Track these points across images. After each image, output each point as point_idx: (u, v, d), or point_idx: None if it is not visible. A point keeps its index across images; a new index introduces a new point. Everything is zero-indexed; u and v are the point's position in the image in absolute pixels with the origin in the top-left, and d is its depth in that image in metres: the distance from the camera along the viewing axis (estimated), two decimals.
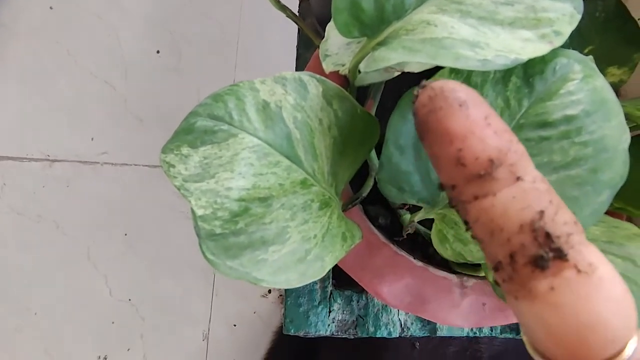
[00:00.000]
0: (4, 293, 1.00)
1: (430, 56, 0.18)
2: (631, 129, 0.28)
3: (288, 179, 0.22)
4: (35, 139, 1.07)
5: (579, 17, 0.20)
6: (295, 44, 0.58)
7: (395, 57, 0.19)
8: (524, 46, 0.19)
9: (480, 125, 0.12)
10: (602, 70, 0.29)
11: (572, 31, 0.30)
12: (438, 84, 0.12)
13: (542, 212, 0.11)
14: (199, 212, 0.19)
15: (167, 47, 1.13)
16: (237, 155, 0.21)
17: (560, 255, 0.11)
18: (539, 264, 0.11)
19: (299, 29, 0.59)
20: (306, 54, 0.57)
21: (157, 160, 1.06)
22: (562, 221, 0.11)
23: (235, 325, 1.02)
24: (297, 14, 0.59)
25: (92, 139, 1.08)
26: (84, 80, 1.10)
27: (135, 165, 1.07)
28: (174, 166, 0.20)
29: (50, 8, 1.13)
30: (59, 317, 1.00)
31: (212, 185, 0.20)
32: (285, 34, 1.09)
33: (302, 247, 0.21)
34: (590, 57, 0.20)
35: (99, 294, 1.02)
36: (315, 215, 0.22)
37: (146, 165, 1.07)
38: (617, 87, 0.28)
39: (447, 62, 0.17)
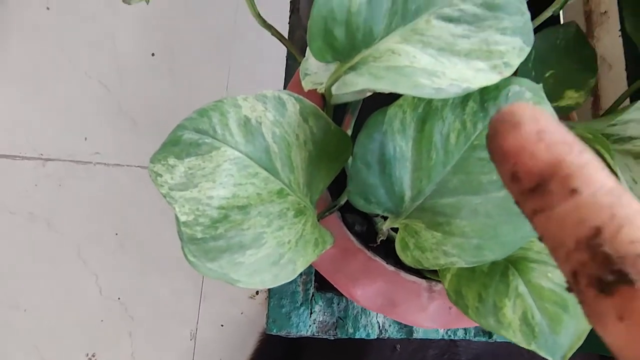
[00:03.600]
0: None
1: (392, 84, 0.20)
2: None
3: (265, 189, 0.24)
4: (29, 137, 1.08)
5: (528, 49, 0.22)
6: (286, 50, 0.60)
7: (362, 82, 0.21)
8: (476, 76, 0.21)
9: (531, 140, 0.12)
10: (561, 93, 0.31)
11: (535, 55, 0.32)
12: (506, 109, 0.13)
13: (599, 228, 0.10)
14: (182, 218, 0.21)
15: (162, 49, 1.15)
16: (219, 166, 0.23)
17: (625, 280, 0.10)
18: (601, 287, 0.10)
19: (288, 36, 0.61)
20: (295, 64, 0.59)
21: (149, 161, 1.07)
22: (628, 240, 0.10)
23: (222, 326, 1.04)
24: (288, 24, 0.61)
25: (86, 139, 1.09)
26: (78, 80, 1.11)
27: (128, 165, 1.08)
28: (161, 175, 0.22)
29: (47, 9, 1.15)
30: (49, 314, 1.01)
31: (195, 194, 0.22)
32: (278, 41, 1.11)
33: (277, 252, 0.23)
34: (540, 85, 0.22)
35: (89, 292, 1.03)
36: (290, 222, 0.24)
37: (138, 166, 1.08)
38: (573, 109, 0.31)
39: (406, 90, 0.20)
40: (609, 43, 0.54)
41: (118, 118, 1.10)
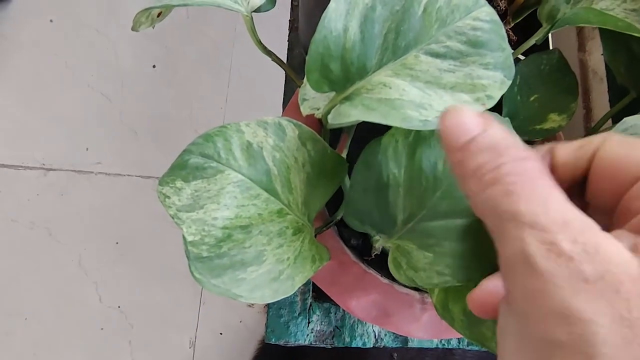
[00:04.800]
0: None
1: (383, 116, 0.22)
2: None
3: (266, 209, 0.26)
4: (31, 147, 1.10)
5: (508, 83, 0.24)
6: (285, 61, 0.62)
7: (355, 114, 0.23)
8: None
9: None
10: (545, 116, 0.33)
11: (521, 80, 0.34)
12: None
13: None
14: (189, 238, 0.23)
15: (163, 62, 1.17)
16: (223, 189, 0.25)
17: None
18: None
19: (288, 48, 0.63)
20: (293, 82, 0.61)
21: (149, 171, 1.09)
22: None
23: (221, 334, 1.05)
24: (287, 42, 0.63)
25: (87, 149, 1.11)
26: (80, 91, 1.13)
27: (129, 175, 1.10)
28: (169, 197, 0.24)
29: (50, 21, 1.17)
30: (49, 322, 1.02)
31: (201, 215, 0.24)
32: (276, 50, 1.13)
33: (276, 268, 0.25)
34: (507, 119, 0.24)
35: (89, 300, 1.04)
36: (289, 240, 0.26)
37: (139, 176, 1.10)
38: (556, 132, 0.33)
39: (396, 122, 0.21)
40: (601, 57, 0.56)
41: (119, 129, 1.12)
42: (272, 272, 0.25)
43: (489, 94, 0.23)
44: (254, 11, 0.32)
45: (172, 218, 0.24)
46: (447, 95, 0.23)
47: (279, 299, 0.24)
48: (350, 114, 0.23)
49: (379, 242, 0.28)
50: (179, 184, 0.25)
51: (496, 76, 0.24)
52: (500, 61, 0.24)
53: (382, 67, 0.24)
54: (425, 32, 0.24)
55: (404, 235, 0.25)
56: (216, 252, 0.23)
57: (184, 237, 0.23)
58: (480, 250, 0.22)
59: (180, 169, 0.25)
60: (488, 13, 0.24)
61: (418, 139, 0.24)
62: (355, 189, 0.26)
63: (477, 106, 0.23)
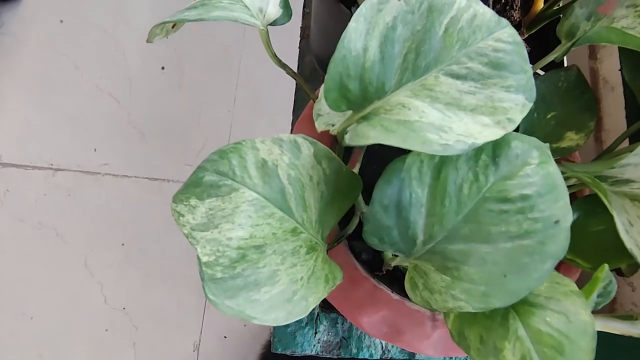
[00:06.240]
0: (1, 297, 1.02)
1: (402, 139, 0.21)
2: (583, 187, 0.32)
3: (280, 228, 0.25)
4: (40, 147, 1.10)
5: (530, 105, 0.23)
6: (296, 68, 0.61)
7: (374, 136, 0.22)
8: (482, 130, 0.22)
9: None
10: (562, 134, 0.33)
11: (538, 97, 0.34)
12: None
13: None
14: (204, 258, 0.23)
15: (172, 64, 1.17)
16: (237, 207, 0.24)
17: None
18: None
19: (299, 56, 0.63)
20: (302, 88, 0.61)
21: (156, 173, 1.09)
22: None
23: (225, 337, 1.05)
24: (298, 49, 0.63)
25: (95, 150, 1.11)
26: (89, 92, 1.13)
27: (136, 177, 1.10)
28: (183, 215, 0.24)
29: (60, 21, 1.17)
30: (54, 322, 1.03)
31: (215, 235, 0.23)
32: (287, 57, 1.12)
33: (290, 289, 0.25)
34: (547, 145, 0.24)
35: (94, 301, 1.04)
36: (303, 259, 0.26)
37: (146, 178, 1.10)
38: (574, 151, 0.32)
39: (415, 146, 0.21)
40: (612, 66, 0.56)
41: (127, 130, 1.12)
42: (286, 293, 0.24)
43: (510, 117, 0.23)
44: (270, 24, 0.32)
45: (187, 237, 0.23)
46: (468, 118, 0.23)
47: (293, 320, 0.24)
48: (369, 136, 0.22)
49: (396, 261, 0.27)
50: (193, 202, 0.24)
51: (518, 99, 0.23)
52: (522, 84, 0.23)
53: (401, 88, 0.24)
54: (446, 52, 0.24)
55: (423, 256, 0.25)
56: (230, 273, 0.23)
57: (198, 258, 0.23)
58: (500, 280, 0.22)
59: (195, 187, 0.25)
60: (510, 34, 0.24)
61: (444, 160, 0.24)
62: (376, 206, 0.25)
63: (498, 129, 0.23)
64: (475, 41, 0.24)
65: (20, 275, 1.04)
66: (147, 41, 0.32)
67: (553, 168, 0.23)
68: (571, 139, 0.32)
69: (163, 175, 1.08)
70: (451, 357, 0.52)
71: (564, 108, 0.33)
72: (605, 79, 0.57)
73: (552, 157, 0.23)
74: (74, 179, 1.09)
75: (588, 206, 0.30)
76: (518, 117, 0.23)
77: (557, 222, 0.22)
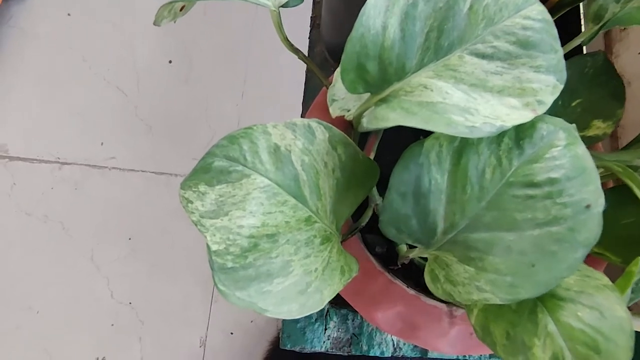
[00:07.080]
0: (7, 291, 1.02)
1: (424, 120, 0.20)
2: (608, 179, 0.31)
3: (294, 217, 0.24)
4: (47, 141, 1.09)
5: (561, 87, 0.22)
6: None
7: (394, 118, 0.21)
8: (509, 113, 0.21)
9: None
10: (588, 122, 0.31)
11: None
12: None
13: None
14: (214, 247, 0.21)
15: (179, 57, 1.16)
16: (249, 194, 0.23)
17: None
18: None
19: (309, 46, 0.62)
20: (314, 76, 0.60)
21: (163, 167, 1.08)
22: None
23: (232, 333, 1.04)
24: (308, 39, 0.62)
25: (102, 143, 1.10)
26: (96, 86, 1.13)
27: (143, 171, 1.09)
28: (192, 202, 0.23)
29: (68, 15, 1.17)
30: (60, 316, 1.02)
31: (225, 222, 0.22)
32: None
33: (304, 280, 0.23)
34: (574, 125, 0.22)
35: (101, 295, 1.04)
36: (317, 249, 0.25)
37: (153, 172, 1.09)
38: (600, 139, 0.31)
39: (439, 128, 0.20)
40: (628, 60, 0.54)
41: (134, 124, 1.12)
42: (299, 285, 0.23)
43: (540, 99, 0.21)
44: (282, 6, 0.31)
45: (195, 225, 0.22)
46: (494, 100, 0.21)
47: (306, 314, 0.22)
48: (389, 118, 0.21)
49: (415, 252, 0.26)
50: (202, 188, 0.23)
51: (548, 80, 0.22)
52: (552, 64, 0.22)
53: (423, 68, 0.23)
54: (471, 31, 0.22)
55: (443, 247, 0.24)
56: (241, 263, 0.22)
57: (207, 246, 0.22)
58: (527, 269, 0.20)
59: (204, 172, 0.23)
60: (539, 11, 0.22)
61: (465, 144, 0.23)
62: (393, 194, 0.24)
63: (527, 112, 0.21)
64: (502, 19, 0.22)
65: (26, 270, 1.04)
66: (154, 24, 0.31)
67: (582, 150, 0.22)
68: (598, 127, 0.31)
69: (170, 169, 1.08)
70: (465, 356, 0.51)
71: (590, 95, 0.31)
72: (621, 74, 0.55)
73: (579, 138, 0.22)
74: (80, 173, 1.08)
75: (616, 198, 0.29)
76: (549, 99, 0.22)
77: (588, 206, 0.21)
